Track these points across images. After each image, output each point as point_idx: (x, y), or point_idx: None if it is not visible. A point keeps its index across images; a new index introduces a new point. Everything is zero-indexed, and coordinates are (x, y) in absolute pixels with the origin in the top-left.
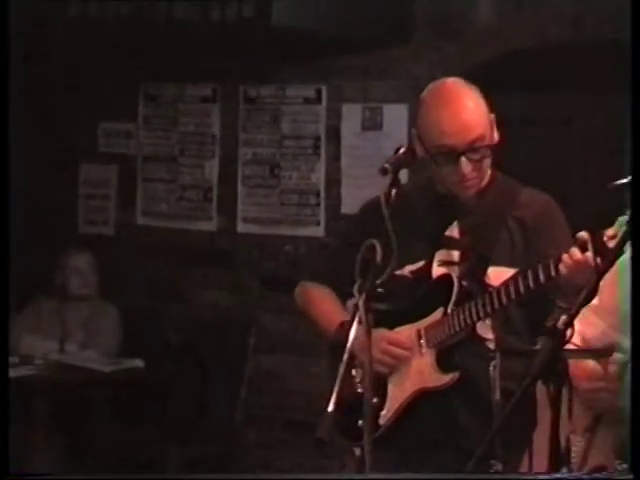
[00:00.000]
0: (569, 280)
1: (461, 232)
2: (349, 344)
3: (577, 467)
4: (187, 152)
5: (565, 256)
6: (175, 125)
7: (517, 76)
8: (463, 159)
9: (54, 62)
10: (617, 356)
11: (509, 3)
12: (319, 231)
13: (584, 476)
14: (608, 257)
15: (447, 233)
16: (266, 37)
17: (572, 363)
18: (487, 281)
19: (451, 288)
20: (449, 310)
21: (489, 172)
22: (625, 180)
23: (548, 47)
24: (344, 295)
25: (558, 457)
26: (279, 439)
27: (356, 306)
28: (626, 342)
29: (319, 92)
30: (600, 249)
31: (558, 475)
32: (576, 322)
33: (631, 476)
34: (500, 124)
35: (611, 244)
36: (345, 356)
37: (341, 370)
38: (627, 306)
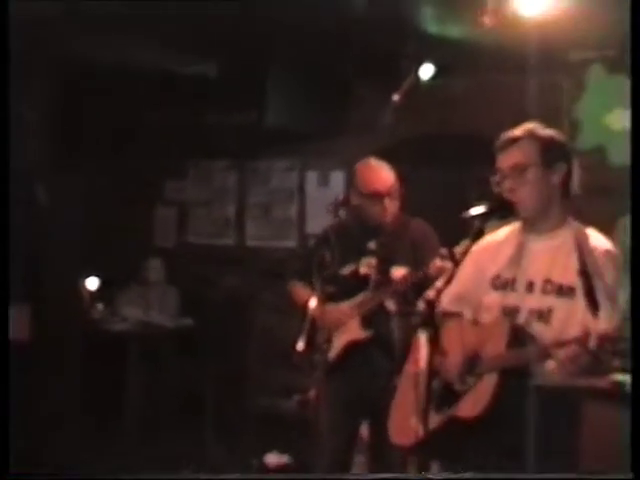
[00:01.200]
0: (436, 276)
1: (378, 246)
2: (311, 310)
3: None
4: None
5: (434, 263)
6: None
7: (418, 153)
8: (386, 200)
9: None
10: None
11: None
12: (294, 244)
13: (585, 476)
14: (458, 263)
15: (369, 246)
16: (262, 134)
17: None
18: (391, 276)
19: (368, 280)
20: (369, 293)
21: (395, 211)
22: (477, 210)
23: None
24: (311, 285)
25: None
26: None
27: (313, 289)
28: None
29: (293, 165)
30: (453, 258)
31: (556, 475)
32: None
33: (631, 476)
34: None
35: (459, 256)
36: (308, 316)
37: (305, 325)
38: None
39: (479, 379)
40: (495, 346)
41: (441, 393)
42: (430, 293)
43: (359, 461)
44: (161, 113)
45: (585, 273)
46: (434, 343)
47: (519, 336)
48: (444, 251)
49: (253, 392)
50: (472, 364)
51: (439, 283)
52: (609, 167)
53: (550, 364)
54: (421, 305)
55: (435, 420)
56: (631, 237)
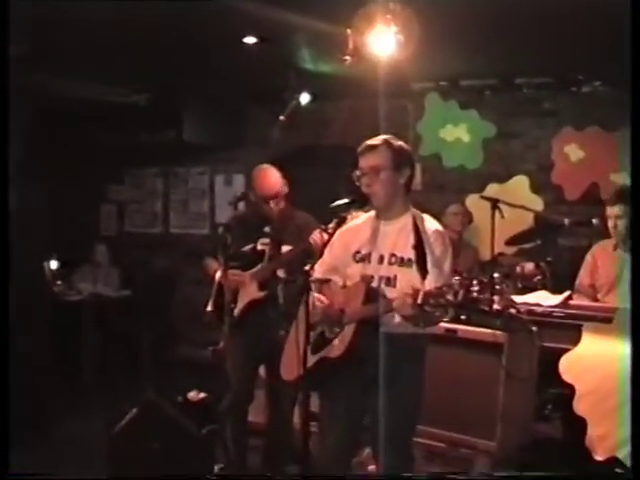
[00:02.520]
0: (313, 250)
1: (270, 230)
2: (217, 279)
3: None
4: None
5: (312, 238)
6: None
7: (300, 160)
8: (275, 199)
9: None
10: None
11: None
12: (206, 231)
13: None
14: (328, 241)
15: (264, 230)
16: (180, 147)
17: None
18: (281, 252)
19: (264, 255)
20: (265, 264)
21: (283, 203)
22: (341, 202)
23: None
24: (218, 261)
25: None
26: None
27: (220, 264)
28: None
29: (204, 170)
30: (326, 234)
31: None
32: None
33: (631, 476)
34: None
35: (327, 235)
36: (216, 283)
37: (214, 290)
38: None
39: (342, 328)
40: (354, 303)
41: (317, 339)
42: (308, 264)
43: (258, 394)
44: (105, 134)
45: (418, 247)
46: (312, 302)
47: (371, 296)
48: (318, 231)
49: (178, 345)
50: (338, 317)
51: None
52: (443, 169)
53: (396, 317)
54: (302, 274)
55: (312, 360)
56: (631, 237)
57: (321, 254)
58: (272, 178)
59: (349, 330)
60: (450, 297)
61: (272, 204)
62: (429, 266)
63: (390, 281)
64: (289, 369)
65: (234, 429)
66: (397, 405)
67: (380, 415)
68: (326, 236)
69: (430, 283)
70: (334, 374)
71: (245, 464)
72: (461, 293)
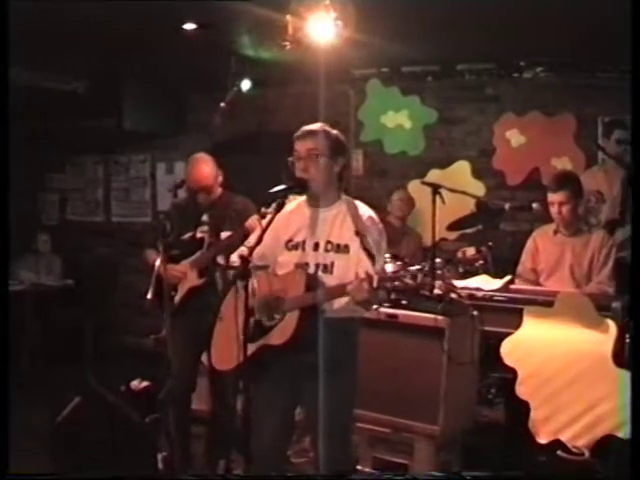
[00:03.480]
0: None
1: (209, 217)
2: (156, 269)
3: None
4: None
5: (248, 224)
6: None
7: (242, 146)
8: (210, 189)
9: None
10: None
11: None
12: (149, 219)
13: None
14: (266, 227)
15: (202, 218)
16: (121, 135)
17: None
18: (220, 238)
19: (203, 242)
20: (204, 251)
21: (220, 190)
22: (280, 187)
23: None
24: (158, 249)
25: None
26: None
27: (159, 252)
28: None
29: (146, 158)
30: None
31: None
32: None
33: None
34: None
35: (265, 220)
36: (154, 274)
37: (153, 279)
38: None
39: (284, 316)
40: (295, 291)
41: (254, 328)
42: (243, 249)
43: (202, 383)
44: (45, 122)
45: (359, 233)
46: (248, 289)
47: (311, 283)
48: (255, 216)
49: (120, 333)
50: (277, 305)
51: (250, 242)
52: (384, 155)
53: (338, 302)
54: (237, 260)
55: (250, 349)
56: (631, 236)
57: (258, 238)
58: (205, 170)
59: (292, 317)
60: (408, 280)
61: (207, 196)
62: (364, 251)
63: (327, 268)
64: (225, 358)
65: (177, 417)
66: (337, 390)
67: (320, 401)
68: (264, 221)
69: (369, 268)
70: (276, 361)
71: (188, 452)
72: (420, 277)
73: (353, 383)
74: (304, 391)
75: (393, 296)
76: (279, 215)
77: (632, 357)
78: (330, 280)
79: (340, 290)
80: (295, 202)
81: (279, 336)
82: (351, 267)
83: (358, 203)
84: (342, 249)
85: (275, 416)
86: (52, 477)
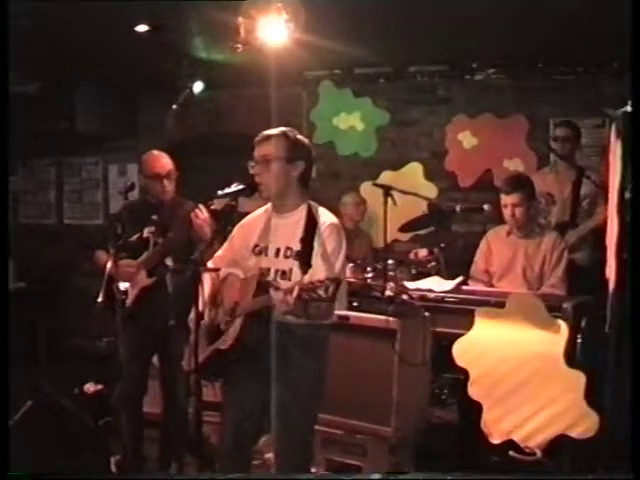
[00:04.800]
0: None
1: (157, 217)
2: (108, 270)
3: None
4: None
5: (193, 225)
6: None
7: (194, 148)
8: (165, 181)
9: None
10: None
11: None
12: (101, 221)
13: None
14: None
15: (152, 218)
16: (73, 137)
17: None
18: (168, 238)
19: (149, 242)
20: (150, 252)
21: (172, 193)
22: (229, 189)
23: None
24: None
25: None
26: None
27: (110, 254)
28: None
29: (98, 160)
30: (207, 212)
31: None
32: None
33: (631, 476)
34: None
35: (207, 213)
36: (105, 277)
37: (104, 281)
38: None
39: (234, 320)
40: (247, 296)
41: (212, 331)
42: (196, 253)
43: (153, 384)
44: None
45: (304, 240)
46: (203, 292)
47: (261, 288)
48: (200, 207)
49: (74, 336)
50: (232, 309)
51: (202, 242)
52: (337, 157)
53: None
54: (191, 263)
55: (205, 352)
56: (631, 236)
57: (210, 242)
58: (161, 162)
59: (238, 322)
60: (321, 292)
61: (160, 189)
62: (319, 259)
63: (286, 274)
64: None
65: (129, 420)
66: (294, 394)
67: (273, 404)
68: (206, 214)
69: (315, 276)
70: (226, 365)
71: (142, 455)
72: (331, 289)
73: (314, 387)
74: (263, 395)
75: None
76: (248, 220)
77: (632, 358)
78: (287, 286)
79: (266, 299)
80: (262, 208)
81: (225, 340)
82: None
83: (321, 209)
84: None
85: (237, 417)
86: (52, 477)
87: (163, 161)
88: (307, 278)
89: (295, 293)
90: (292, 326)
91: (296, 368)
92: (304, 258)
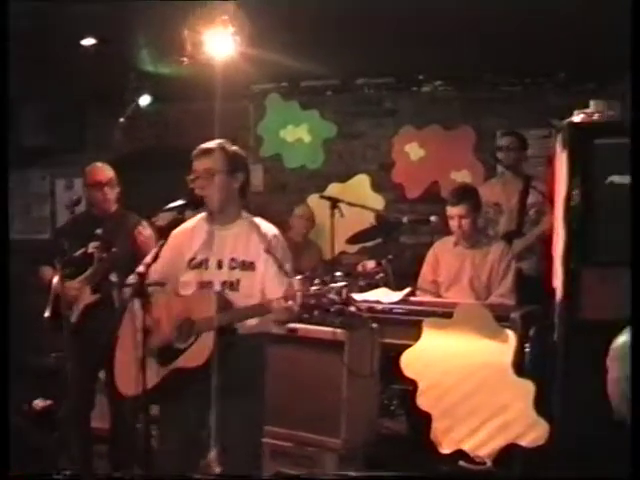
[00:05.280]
0: (143, 249)
1: (102, 232)
2: (53, 287)
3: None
4: None
5: (138, 234)
6: None
7: (141, 162)
8: (106, 189)
9: None
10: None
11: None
12: (47, 236)
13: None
14: (163, 233)
15: (96, 233)
16: (21, 151)
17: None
18: (112, 251)
19: (94, 258)
20: (95, 267)
21: (115, 205)
22: (174, 204)
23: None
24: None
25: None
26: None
27: (56, 271)
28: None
29: (45, 174)
30: (150, 230)
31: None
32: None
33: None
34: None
35: (151, 230)
36: (52, 292)
37: (50, 298)
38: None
39: (197, 337)
40: (205, 311)
41: (164, 350)
42: (140, 268)
43: (101, 400)
44: None
45: (269, 251)
46: (146, 309)
47: (223, 303)
48: (144, 224)
49: (23, 353)
50: (187, 327)
51: (147, 259)
52: (284, 170)
53: (254, 320)
54: (133, 278)
55: (161, 373)
56: (631, 236)
57: (155, 255)
58: (102, 171)
59: (207, 339)
60: (333, 296)
61: (102, 197)
62: (273, 269)
63: (233, 285)
64: (130, 382)
65: (77, 436)
66: (248, 406)
67: (229, 417)
68: (149, 231)
69: (276, 285)
70: (189, 383)
71: (91, 470)
72: (344, 292)
73: (263, 399)
74: (213, 408)
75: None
76: (178, 232)
77: (632, 358)
78: (237, 298)
79: (261, 309)
80: (195, 219)
81: (196, 358)
82: (257, 284)
83: (259, 220)
84: (248, 266)
85: (180, 432)
86: (52, 477)
87: (104, 170)
88: (278, 287)
89: (299, 300)
90: (246, 337)
91: (245, 378)
92: (281, 267)
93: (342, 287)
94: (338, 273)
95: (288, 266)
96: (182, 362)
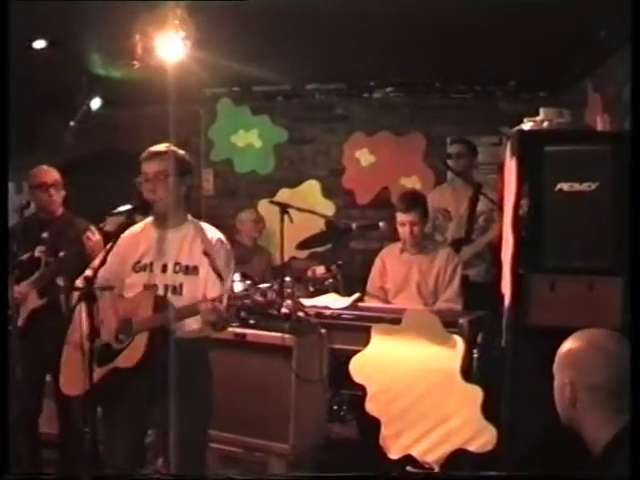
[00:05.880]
0: (91, 251)
1: (49, 236)
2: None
3: None
4: None
5: (86, 238)
6: None
7: (90, 165)
8: (52, 190)
9: None
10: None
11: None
12: None
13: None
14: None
15: (43, 236)
16: None
17: None
18: (59, 255)
19: (40, 262)
20: (42, 271)
21: (62, 209)
22: (123, 208)
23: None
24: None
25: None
26: None
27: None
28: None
29: None
30: (98, 235)
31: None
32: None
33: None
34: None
35: (99, 235)
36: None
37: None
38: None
39: (133, 338)
40: (143, 312)
41: (102, 351)
42: (88, 272)
43: (49, 404)
44: None
45: (207, 254)
46: (93, 312)
47: (160, 304)
48: (92, 230)
49: None
50: (125, 327)
51: (95, 263)
52: (235, 175)
53: (188, 322)
54: (80, 282)
55: (98, 373)
56: (631, 236)
57: (102, 260)
58: (47, 172)
59: (141, 339)
60: (258, 297)
61: (48, 198)
62: (212, 273)
63: (176, 289)
64: (73, 383)
65: (25, 441)
66: (188, 411)
67: (171, 423)
68: (98, 236)
69: (217, 289)
70: (125, 384)
71: (40, 475)
72: (270, 294)
73: (206, 403)
74: (156, 412)
75: (242, 314)
76: (124, 236)
77: (631, 359)
78: (180, 301)
79: (190, 310)
80: (142, 223)
81: (128, 358)
82: (200, 288)
83: (204, 225)
84: (191, 270)
85: (127, 438)
86: (53, 477)
87: (49, 172)
88: (226, 288)
89: (225, 302)
90: (185, 341)
91: (190, 383)
92: (216, 271)
93: (267, 288)
94: (288, 278)
95: (226, 271)
96: (118, 362)
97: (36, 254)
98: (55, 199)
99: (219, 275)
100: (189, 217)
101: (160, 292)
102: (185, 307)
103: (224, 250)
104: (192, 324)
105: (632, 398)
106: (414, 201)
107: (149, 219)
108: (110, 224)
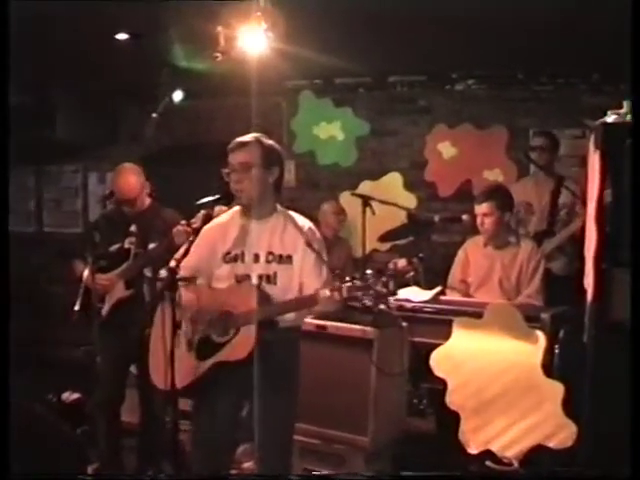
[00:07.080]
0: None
1: (136, 228)
2: (84, 281)
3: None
4: None
5: (174, 235)
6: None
7: (173, 157)
8: (136, 200)
9: None
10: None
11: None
12: (80, 230)
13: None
14: (193, 234)
15: (130, 229)
16: (54, 145)
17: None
18: (147, 249)
19: (130, 253)
20: (131, 262)
21: (148, 201)
22: (207, 199)
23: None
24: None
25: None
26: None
27: (88, 263)
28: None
29: (77, 168)
30: (190, 229)
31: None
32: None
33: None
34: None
35: (190, 229)
36: (82, 286)
37: (80, 291)
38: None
39: (238, 331)
40: (246, 305)
41: (202, 345)
42: (171, 262)
43: (131, 393)
44: None
45: (309, 244)
46: (177, 303)
47: (263, 296)
48: (182, 223)
49: (51, 345)
50: (226, 320)
51: (178, 254)
52: (317, 167)
53: (292, 314)
54: (164, 272)
55: (201, 367)
56: (631, 236)
57: (186, 251)
58: (130, 181)
59: (249, 331)
60: (380, 288)
61: (132, 207)
62: (311, 262)
63: (270, 279)
64: (160, 375)
65: (106, 429)
66: (283, 402)
67: (263, 412)
68: (189, 230)
69: (312, 278)
70: (232, 377)
71: (120, 464)
72: (391, 283)
73: (297, 395)
74: (247, 402)
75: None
76: (210, 227)
77: (632, 358)
78: (274, 291)
79: (309, 301)
80: (228, 214)
81: (240, 351)
82: (294, 277)
83: (294, 214)
84: (285, 260)
85: (215, 426)
86: (53, 477)
87: (131, 183)
88: (316, 280)
89: (345, 292)
90: (282, 330)
91: (281, 374)
92: (321, 259)
93: (386, 279)
94: (369, 271)
95: (325, 259)
96: (223, 356)
97: (126, 245)
98: (139, 208)
99: (323, 262)
100: (278, 207)
101: (254, 282)
102: (302, 298)
103: (318, 239)
104: (291, 314)
105: (632, 398)
106: (489, 193)
107: (236, 209)
108: (197, 219)
